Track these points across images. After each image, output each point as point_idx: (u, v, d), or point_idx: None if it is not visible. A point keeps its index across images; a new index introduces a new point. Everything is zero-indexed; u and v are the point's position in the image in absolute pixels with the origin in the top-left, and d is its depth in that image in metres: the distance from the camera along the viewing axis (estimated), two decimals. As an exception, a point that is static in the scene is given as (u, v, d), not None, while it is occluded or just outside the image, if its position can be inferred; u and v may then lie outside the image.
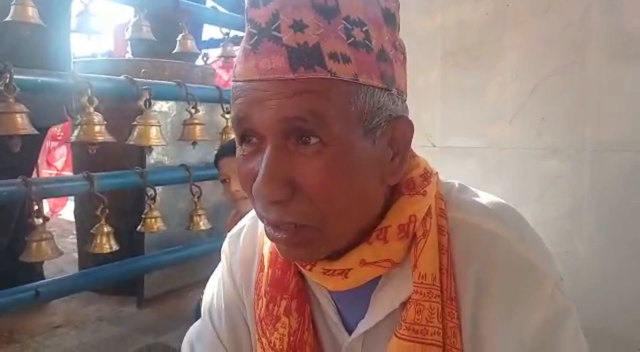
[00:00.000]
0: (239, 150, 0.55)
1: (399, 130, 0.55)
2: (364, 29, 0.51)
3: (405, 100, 0.57)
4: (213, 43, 4.46)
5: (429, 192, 0.59)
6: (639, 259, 1.18)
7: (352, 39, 0.50)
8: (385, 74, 0.52)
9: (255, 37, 0.50)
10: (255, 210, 0.57)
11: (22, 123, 1.83)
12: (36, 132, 1.91)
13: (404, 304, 0.58)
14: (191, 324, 0.81)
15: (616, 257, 1.20)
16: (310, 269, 0.60)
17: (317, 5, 0.49)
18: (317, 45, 0.48)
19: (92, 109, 2.09)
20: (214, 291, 0.77)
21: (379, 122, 0.53)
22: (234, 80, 0.53)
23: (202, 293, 1.84)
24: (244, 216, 0.77)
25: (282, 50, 0.48)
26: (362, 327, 0.62)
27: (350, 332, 0.63)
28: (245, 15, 0.52)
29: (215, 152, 1.92)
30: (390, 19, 0.55)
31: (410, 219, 0.57)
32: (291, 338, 0.63)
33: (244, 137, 0.54)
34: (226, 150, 1.82)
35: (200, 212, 2.60)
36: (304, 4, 0.49)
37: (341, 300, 0.64)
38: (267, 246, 0.67)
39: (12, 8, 1.95)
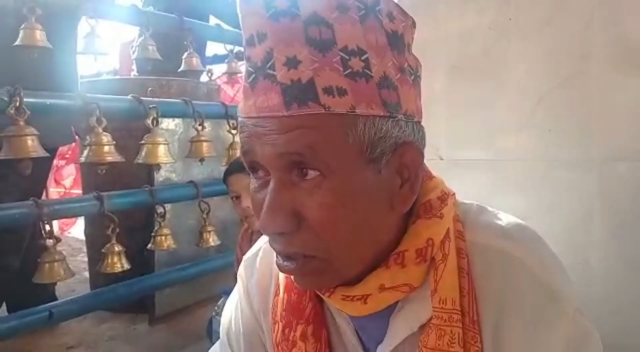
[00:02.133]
0: (251, 181, 0.57)
1: (408, 156, 0.54)
2: (363, 57, 0.50)
3: (417, 121, 0.56)
4: (217, 59, 4.48)
5: (445, 215, 0.58)
6: (651, 267, 1.18)
7: (350, 69, 0.49)
8: (387, 101, 0.51)
9: (253, 76, 0.51)
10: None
11: (32, 146, 1.85)
12: (46, 154, 1.92)
13: (422, 328, 0.58)
14: (203, 341, 0.81)
15: (628, 266, 1.20)
16: (329, 296, 0.60)
17: (311, 39, 0.49)
18: (310, 81, 0.48)
19: (100, 130, 2.10)
20: (231, 314, 0.77)
21: (383, 150, 0.52)
22: (239, 115, 0.55)
23: (214, 310, 1.86)
24: (255, 231, 0.78)
25: (276, 88, 0.49)
26: (380, 351, 0.62)
27: None
28: (244, 52, 0.53)
29: (223, 168, 1.93)
30: (397, 42, 0.53)
31: (427, 243, 0.57)
32: None
33: (252, 168, 0.56)
34: (235, 167, 1.83)
35: (209, 228, 2.61)
36: (298, 40, 0.49)
37: (360, 323, 0.64)
38: None
39: (21, 32, 1.98)
